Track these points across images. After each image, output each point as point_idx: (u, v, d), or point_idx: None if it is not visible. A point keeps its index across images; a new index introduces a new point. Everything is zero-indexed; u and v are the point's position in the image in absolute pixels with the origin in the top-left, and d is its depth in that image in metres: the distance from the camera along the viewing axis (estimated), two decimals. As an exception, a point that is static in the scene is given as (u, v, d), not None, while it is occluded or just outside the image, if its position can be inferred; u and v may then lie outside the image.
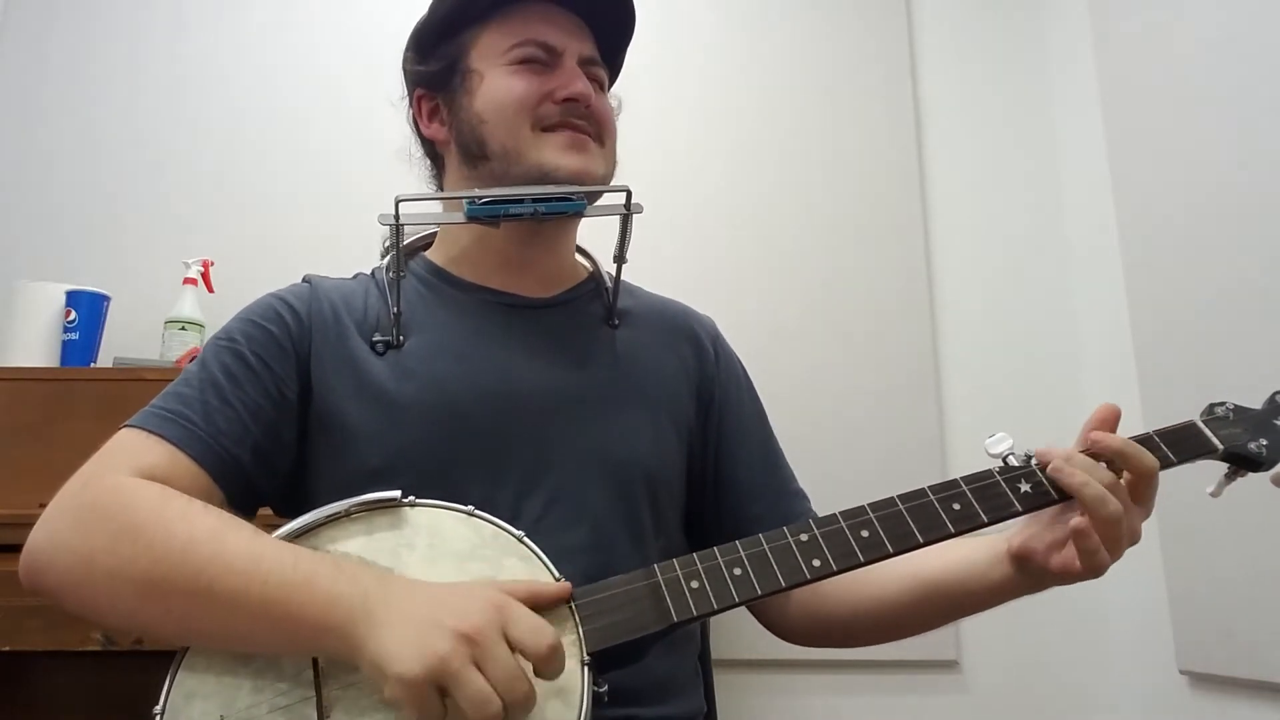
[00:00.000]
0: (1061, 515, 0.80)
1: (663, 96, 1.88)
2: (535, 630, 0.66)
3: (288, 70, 1.91)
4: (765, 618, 1.01)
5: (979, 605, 0.87)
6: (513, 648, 0.65)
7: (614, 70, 1.07)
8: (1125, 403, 0.88)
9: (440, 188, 1.04)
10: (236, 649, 0.72)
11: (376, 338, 0.92)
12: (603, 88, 1.03)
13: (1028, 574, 0.83)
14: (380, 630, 0.66)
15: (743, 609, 0.79)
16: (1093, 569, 0.77)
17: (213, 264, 1.70)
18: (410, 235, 1.05)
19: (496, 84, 0.96)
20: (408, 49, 1.04)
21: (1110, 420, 0.83)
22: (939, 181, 1.93)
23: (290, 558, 0.71)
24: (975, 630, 1.70)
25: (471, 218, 0.90)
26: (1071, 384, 1.81)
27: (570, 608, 0.72)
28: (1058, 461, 0.79)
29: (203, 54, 1.91)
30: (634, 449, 0.93)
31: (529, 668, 0.66)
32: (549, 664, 0.66)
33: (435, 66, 1.00)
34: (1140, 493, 0.79)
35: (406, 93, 1.05)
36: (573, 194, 0.91)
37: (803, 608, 0.97)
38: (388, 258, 0.98)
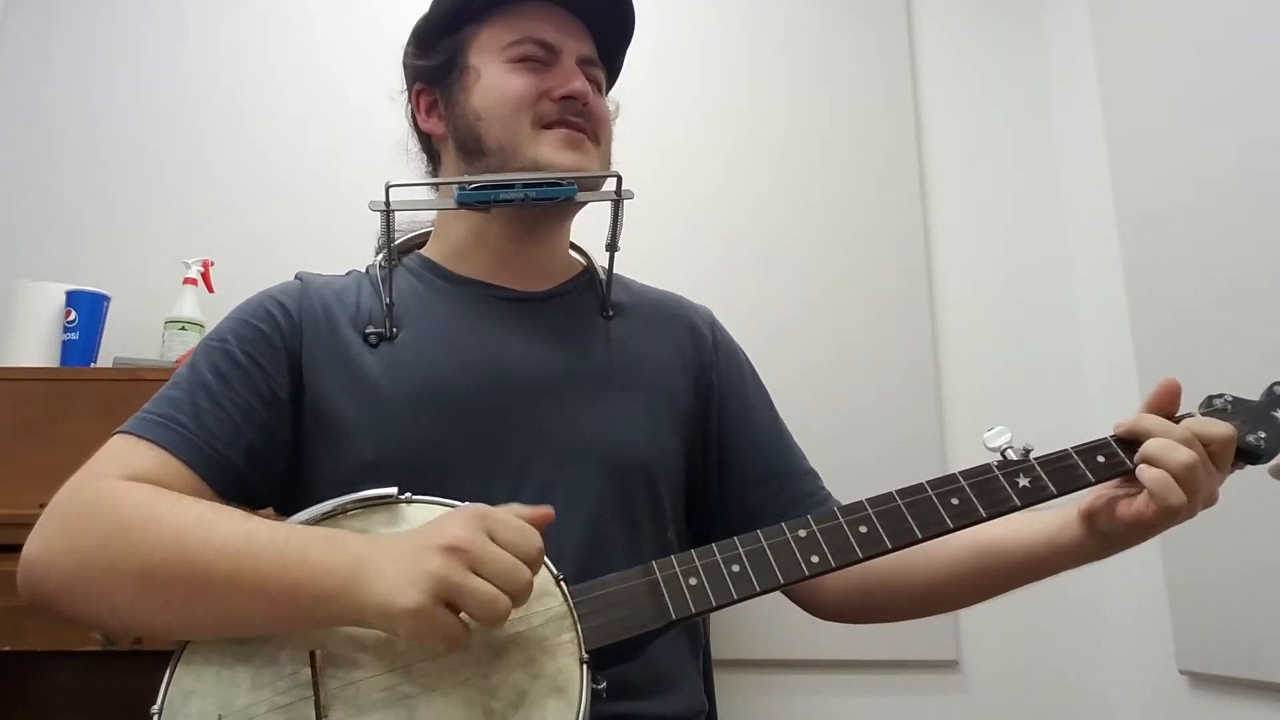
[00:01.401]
0: (1128, 481, 0.81)
1: (663, 96, 1.88)
2: (521, 531, 0.68)
3: (288, 70, 1.91)
4: (797, 594, 0.99)
5: (1042, 572, 0.88)
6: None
7: (613, 72, 1.08)
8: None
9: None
10: (238, 634, 0.72)
11: (369, 330, 0.92)
12: (600, 88, 1.03)
13: (1096, 534, 0.83)
14: (376, 582, 0.67)
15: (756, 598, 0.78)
16: (1170, 513, 0.77)
17: (213, 264, 1.70)
18: (403, 226, 1.05)
19: (494, 81, 0.96)
20: (408, 44, 1.04)
21: (1172, 393, 0.84)
22: (939, 181, 1.92)
23: (282, 534, 0.72)
24: (975, 630, 1.69)
25: (462, 203, 0.91)
26: (1071, 383, 1.81)
27: (569, 606, 0.72)
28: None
29: (203, 54, 1.91)
30: (629, 438, 0.93)
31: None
32: (538, 563, 0.68)
33: (434, 61, 1.01)
34: (1219, 461, 0.81)
35: (406, 87, 1.05)
36: (563, 179, 0.92)
37: (843, 580, 0.93)
38: (381, 254, 0.99)
